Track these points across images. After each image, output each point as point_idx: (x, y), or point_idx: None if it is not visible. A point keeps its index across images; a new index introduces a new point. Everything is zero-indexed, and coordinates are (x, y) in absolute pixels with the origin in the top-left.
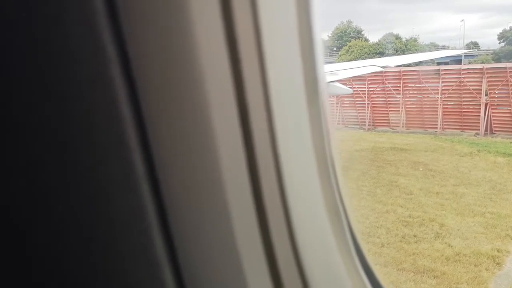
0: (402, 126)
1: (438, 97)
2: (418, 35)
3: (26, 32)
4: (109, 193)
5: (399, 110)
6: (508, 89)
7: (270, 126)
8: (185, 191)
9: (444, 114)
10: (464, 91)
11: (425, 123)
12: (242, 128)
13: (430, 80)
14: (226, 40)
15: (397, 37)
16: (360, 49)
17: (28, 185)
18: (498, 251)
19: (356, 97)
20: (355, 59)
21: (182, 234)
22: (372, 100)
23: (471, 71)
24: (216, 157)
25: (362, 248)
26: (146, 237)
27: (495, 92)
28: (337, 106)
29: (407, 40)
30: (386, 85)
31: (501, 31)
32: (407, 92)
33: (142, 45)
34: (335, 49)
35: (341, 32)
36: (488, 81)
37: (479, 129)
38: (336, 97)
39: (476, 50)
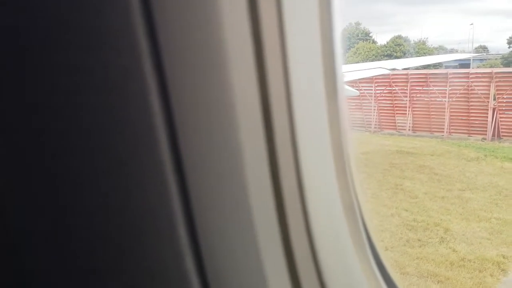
0: (409, 129)
1: (445, 100)
2: (427, 38)
3: (66, 26)
4: (137, 181)
5: (405, 113)
6: None
7: (291, 123)
8: (209, 183)
9: (451, 118)
10: (472, 95)
11: (432, 126)
12: (264, 123)
13: (438, 84)
14: (252, 39)
15: (405, 40)
16: (367, 51)
17: (64, 172)
18: (503, 257)
19: (363, 99)
20: (362, 61)
21: (205, 225)
22: (379, 103)
23: (480, 75)
24: (240, 152)
25: (377, 247)
26: (171, 226)
27: (503, 97)
28: None
29: (415, 43)
30: (393, 88)
31: (510, 35)
32: (414, 95)
33: (173, 41)
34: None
35: (349, 34)
36: (497, 86)
37: (486, 134)
38: None
39: (485, 54)
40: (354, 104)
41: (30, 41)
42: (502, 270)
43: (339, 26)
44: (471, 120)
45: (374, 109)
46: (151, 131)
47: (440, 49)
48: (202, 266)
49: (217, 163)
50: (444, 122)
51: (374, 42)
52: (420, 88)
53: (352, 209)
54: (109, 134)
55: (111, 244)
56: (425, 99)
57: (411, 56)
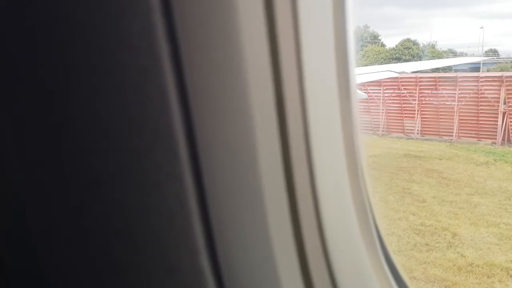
0: (417, 133)
1: (454, 104)
2: (436, 41)
3: (87, 27)
4: (155, 179)
5: (414, 117)
6: None
7: (304, 123)
8: (225, 183)
9: (460, 122)
10: (482, 99)
11: (441, 130)
12: (279, 124)
13: (447, 87)
14: (267, 40)
15: (415, 43)
16: (376, 54)
17: (82, 171)
18: None
19: (371, 102)
20: (371, 64)
21: (221, 224)
22: (387, 106)
23: (490, 79)
24: (255, 152)
25: (388, 248)
26: (187, 225)
27: None
28: None
29: (424, 46)
30: (402, 91)
31: None
32: (423, 98)
33: (192, 42)
34: None
35: (358, 37)
36: (507, 90)
37: (496, 138)
38: None
39: (495, 57)
40: (362, 107)
41: (51, 42)
42: (511, 276)
43: (352, 28)
44: (481, 124)
45: (383, 112)
46: (169, 131)
47: (450, 53)
48: (217, 263)
49: (233, 163)
50: (453, 126)
51: (382, 45)
52: (429, 91)
53: (364, 210)
54: (128, 133)
55: (128, 241)
56: (434, 103)
57: (420, 60)
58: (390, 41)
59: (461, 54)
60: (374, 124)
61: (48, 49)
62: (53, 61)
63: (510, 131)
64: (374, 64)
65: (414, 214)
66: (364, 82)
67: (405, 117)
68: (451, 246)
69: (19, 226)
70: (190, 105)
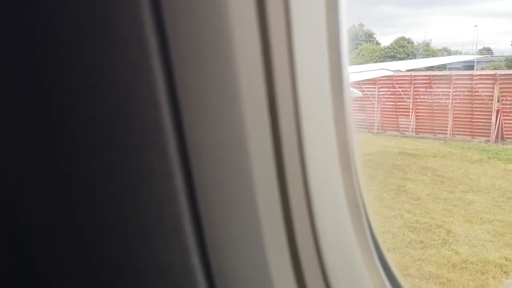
0: (412, 131)
1: (449, 102)
2: (431, 40)
3: (76, 23)
4: (145, 177)
5: (409, 115)
6: None
7: (297, 121)
8: (216, 180)
9: (454, 120)
10: (476, 97)
11: (435, 128)
12: (270, 121)
13: (441, 85)
14: (259, 37)
15: (409, 41)
16: (371, 53)
17: (71, 169)
18: (506, 259)
19: (366, 100)
20: (366, 62)
21: (211, 222)
22: (382, 104)
23: (484, 77)
24: (246, 150)
25: (381, 246)
26: (177, 223)
27: (507, 99)
28: None
29: (419, 44)
30: (397, 89)
31: None
32: (417, 96)
33: (182, 38)
34: None
35: (352, 35)
36: (501, 88)
37: (489, 136)
38: None
39: (489, 56)
40: (357, 105)
41: (39, 39)
42: (505, 272)
43: (345, 26)
44: (475, 122)
45: (377, 111)
46: (158, 128)
47: (444, 51)
48: (208, 262)
49: (223, 160)
50: (447, 124)
51: (377, 43)
52: (424, 89)
53: (357, 208)
54: (117, 131)
55: (118, 240)
56: (429, 101)
57: (415, 58)
58: (385, 40)
59: (456, 53)
60: (369, 122)
61: (35, 47)
62: (40, 59)
63: (504, 129)
64: (369, 63)
65: (408, 212)
66: (359, 80)
67: (399, 115)
68: (445, 243)
69: (13, 225)
70: (179, 102)
